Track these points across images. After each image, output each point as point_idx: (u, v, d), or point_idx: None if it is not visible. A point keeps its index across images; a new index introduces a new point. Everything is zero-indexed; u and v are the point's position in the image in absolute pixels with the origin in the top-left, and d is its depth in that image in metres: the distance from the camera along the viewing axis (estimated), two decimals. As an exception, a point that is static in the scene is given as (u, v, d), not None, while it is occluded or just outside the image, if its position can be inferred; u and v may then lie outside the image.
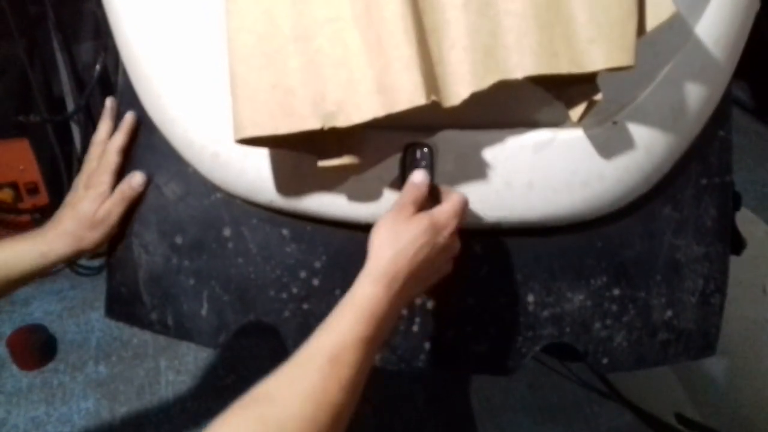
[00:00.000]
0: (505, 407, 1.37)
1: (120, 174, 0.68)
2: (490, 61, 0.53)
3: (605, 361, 0.69)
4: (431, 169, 0.59)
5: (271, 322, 0.67)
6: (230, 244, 0.67)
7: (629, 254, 0.68)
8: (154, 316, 0.69)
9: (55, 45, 1.16)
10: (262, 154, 0.62)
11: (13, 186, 1.30)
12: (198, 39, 0.62)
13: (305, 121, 0.52)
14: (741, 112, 1.91)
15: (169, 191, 0.68)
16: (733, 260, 0.72)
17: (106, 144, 0.68)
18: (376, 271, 0.52)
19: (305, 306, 0.67)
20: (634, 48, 0.52)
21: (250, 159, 0.62)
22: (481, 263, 0.67)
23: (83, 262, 1.37)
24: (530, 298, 0.68)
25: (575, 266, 0.68)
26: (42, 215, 1.34)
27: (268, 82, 0.52)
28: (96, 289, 1.56)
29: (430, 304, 0.68)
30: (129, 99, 0.69)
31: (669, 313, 0.69)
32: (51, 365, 1.43)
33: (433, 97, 0.51)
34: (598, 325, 0.69)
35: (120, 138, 0.68)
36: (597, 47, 0.52)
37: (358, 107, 0.52)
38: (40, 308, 1.54)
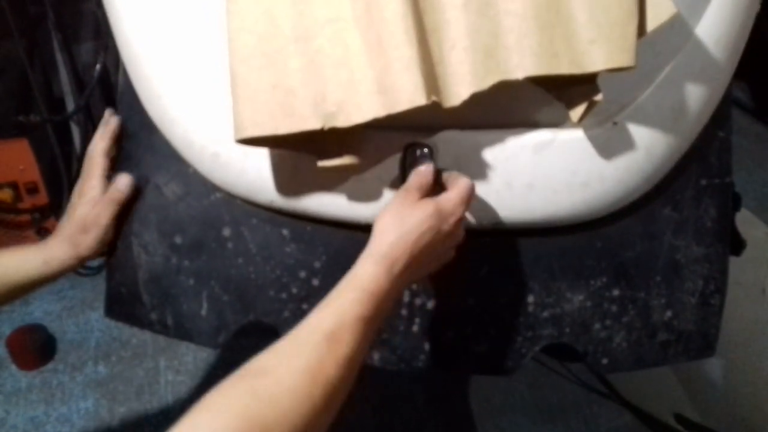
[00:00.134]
0: (505, 407, 1.37)
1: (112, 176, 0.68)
2: (490, 61, 0.53)
3: (605, 361, 0.69)
4: None
5: (271, 322, 0.67)
6: (230, 244, 0.67)
7: (629, 255, 0.68)
8: (153, 316, 0.69)
9: (55, 45, 1.16)
10: (262, 155, 0.62)
11: (13, 186, 1.30)
12: (198, 39, 0.62)
13: (306, 121, 0.52)
14: (741, 112, 1.91)
15: (169, 191, 0.68)
16: (733, 261, 0.72)
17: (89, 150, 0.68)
18: (378, 252, 0.52)
19: (305, 306, 0.67)
20: (634, 49, 0.52)
21: (251, 159, 0.62)
22: (481, 263, 0.67)
23: (83, 261, 1.37)
24: (530, 298, 0.68)
25: (575, 267, 0.68)
26: (42, 215, 1.34)
27: (269, 82, 0.52)
28: (95, 289, 1.56)
29: (430, 304, 0.68)
30: (129, 99, 0.69)
31: (669, 313, 0.69)
32: (50, 365, 1.43)
33: (434, 98, 0.51)
34: (597, 325, 0.69)
35: (102, 141, 0.68)
36: (597, 48, 0.52)
37: (359, 107, 0.52)
38: (39, 308, 1.54)
